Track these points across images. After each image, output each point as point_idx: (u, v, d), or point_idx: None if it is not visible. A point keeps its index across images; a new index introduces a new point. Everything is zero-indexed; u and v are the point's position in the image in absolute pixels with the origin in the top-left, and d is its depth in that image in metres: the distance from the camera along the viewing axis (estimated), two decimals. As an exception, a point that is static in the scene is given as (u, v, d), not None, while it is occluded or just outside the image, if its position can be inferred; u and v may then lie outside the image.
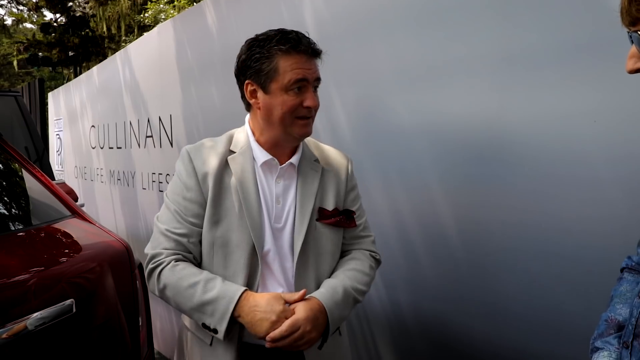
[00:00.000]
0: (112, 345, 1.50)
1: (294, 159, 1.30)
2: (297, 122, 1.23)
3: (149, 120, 3.58)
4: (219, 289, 1.18)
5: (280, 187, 1.29)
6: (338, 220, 1.32)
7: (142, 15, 14.41)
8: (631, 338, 0.83)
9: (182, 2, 12.47)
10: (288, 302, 1.19)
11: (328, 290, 1.24)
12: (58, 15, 16.19)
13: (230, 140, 1.33)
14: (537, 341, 1.44)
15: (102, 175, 4.65)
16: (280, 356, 1.24)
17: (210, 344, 1.27)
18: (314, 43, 1.25)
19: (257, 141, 1.30)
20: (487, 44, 1.51)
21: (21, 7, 18.88)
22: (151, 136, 3.56)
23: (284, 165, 1.29)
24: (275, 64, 1.20)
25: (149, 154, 3.61)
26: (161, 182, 3.45)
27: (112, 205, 4.45)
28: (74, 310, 1.30)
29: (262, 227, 1.26)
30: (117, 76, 4.15)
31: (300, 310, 1.17)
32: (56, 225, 1.59)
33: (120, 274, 1.51)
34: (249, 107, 1.32)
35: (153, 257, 1.26)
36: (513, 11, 1.44)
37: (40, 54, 14.70)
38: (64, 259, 1.44)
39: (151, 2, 13.95)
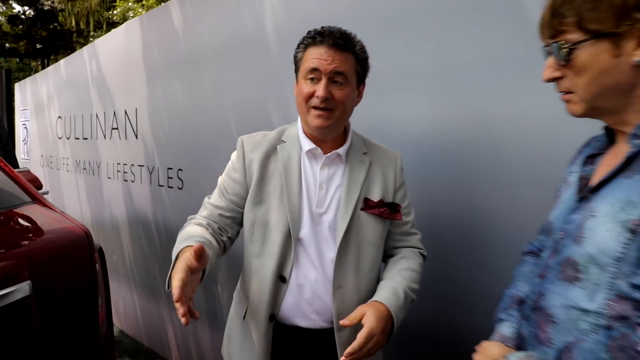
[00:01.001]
0: (71, 323, 1.46)
1: (341, 150, 1.25)
2: (312, 112, 1.18)
3: (114, 113, 3.49)
4: (176, 248, 1.12)
5: (325, 175, 1.25)
6: (382, 211, 1.25)
7: (110, 12, 13.89)
8: (531, 311, 0.87)
9: (150, 1, 12.11)
10: (343, 325, 1.10)
11: (392, 295, 1.17)
12: (26, 8, 15.37)
13: (283, 131, 1.32)
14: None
15: (68, 165, 4.48)
16: (312, 339, 1.22)
17: (244, 318, 1.28)
18: (343, 37, 1.17)
19: (304, 131, 1.27)
20: (427, 55, 1.56)
21: (-12, -1, 17.84)
22: (117, 128, 3.46)
23: (331, 154, 1.24)
24: (302, 54, 1.20)
25: (114, 145, 3.51)
26: (126, 172, 3.37)
27: (77, 193, 4.30)
28: (31, 291, 1.26)
29: (301, 211, 1.22)
30: (84, 70, 4.01)
31: (372, 319, 1.08)
32: (16, 210, 1.52)
33: (79, 257, 1.47)
34: None
35: (188, 219, 1.29)
36: (452, 27, 1.49)
37: (7, 45, 13.92)
38: (23, 242, 1.38)
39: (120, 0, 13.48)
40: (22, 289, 1.22)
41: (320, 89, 1.14)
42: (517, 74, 1.34)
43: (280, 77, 2.13)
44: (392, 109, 1.66)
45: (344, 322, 1.09)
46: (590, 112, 0.81)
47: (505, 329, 0.95)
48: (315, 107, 1.17)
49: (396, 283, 1.20)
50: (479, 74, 1.44)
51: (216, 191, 1.32)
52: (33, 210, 1.56)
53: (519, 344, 0.90)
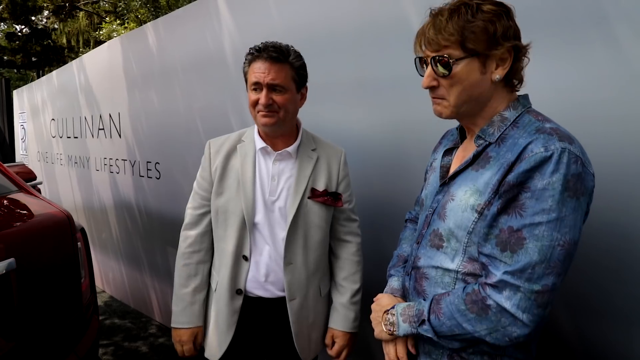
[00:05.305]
0: (55, 292, 1.35)
1: (291, 148, 1.17)
2: (259, 115, 1.12)
3: (100, 116, 3.25)
4: (178, 305, 1.24)
5: (277, 168, 1.17)
6: (326, 199, 1.18)
7: (98, 33, 12.85)
8: (411, 269, 0.89)
9: (131, 24, 11.34)
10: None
11: (344, 320, 1.23)
12: (22, 26, 13.91)
13: (243, 133, 1.24)
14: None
15: (61, 159, 4.14)
16: (270, 306, 1.18)
17: (215, 291, 1.21)
18: (276, 51, 1.09)
19: (258, 132, 1.20)
20: (345, 73, 1.55)
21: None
22: (103, 129, 3.23)
23: (281, 151, 1.17)
24: (247, 68, 1.13)
25: (101, 143, 3.28)
26: (111, 165, 3.16)
27: (70, 183, 3.99)
28: (15, 266, 1.15)
29: (254, 199, 1.15)
30: (73, 80, 3.69)
31: (346, 348, 1.23)
32: (3, 198, 1.36)
33: (61, 237, 1.33)
34: None
35: (180, 254, 1.27)
36: (365, 51, 1.50)
37: (5, 57, 12.57)
38: (7, 224, 1.24)
39: (105, 22, 12.51)
40: (8, 264, 1.10)
41: (262, 97, 1.10)
42: (413, 88, 1.35)
43: (236, 85, 2.06)
44: (322, 119, 1.64)
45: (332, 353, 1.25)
46: (454, 115, 0.81)
47: (394, 282, 0.96)
48: (260, 111, 1.12)
49: (345, 301, 1.24)
50: (385, 88, 1.44)
51: (192, 195, 1.24)
52: (19, 198, 1.41)
53: (404, 293, 0.92)
